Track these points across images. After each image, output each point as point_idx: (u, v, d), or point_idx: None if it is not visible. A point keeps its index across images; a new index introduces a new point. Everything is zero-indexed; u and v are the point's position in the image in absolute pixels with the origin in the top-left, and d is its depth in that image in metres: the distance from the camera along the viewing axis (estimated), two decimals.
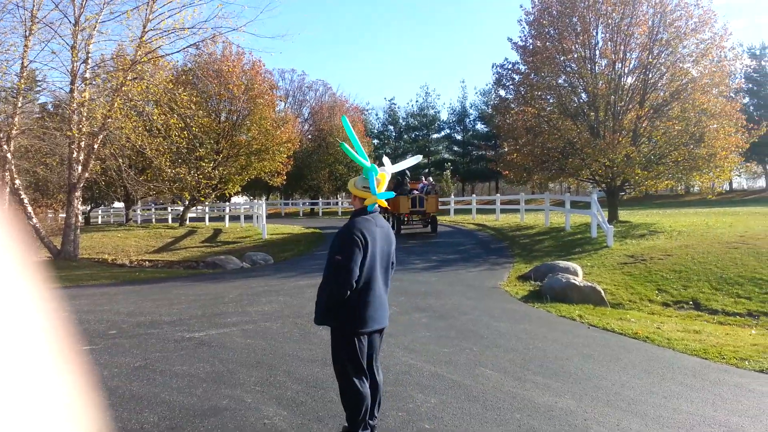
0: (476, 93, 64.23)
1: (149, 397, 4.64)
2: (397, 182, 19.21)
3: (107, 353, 5.96)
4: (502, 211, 25.22)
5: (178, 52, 17.09)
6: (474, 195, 31.41)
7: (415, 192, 20.45)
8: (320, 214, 40.18)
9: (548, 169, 20.50)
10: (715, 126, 17.59)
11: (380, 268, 3.77)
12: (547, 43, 19.76)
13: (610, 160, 17.45)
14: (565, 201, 18.81)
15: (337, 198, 48.22)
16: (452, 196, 31.79)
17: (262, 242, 20.06)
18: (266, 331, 6.99)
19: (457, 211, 29.17)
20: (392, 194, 4.02)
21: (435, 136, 57.03)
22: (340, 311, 3.69)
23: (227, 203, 33.63)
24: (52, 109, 24.91)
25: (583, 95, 20.12)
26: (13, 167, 16.28)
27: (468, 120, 55.69)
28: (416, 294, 9.64)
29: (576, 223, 18.62)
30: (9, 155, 16.23)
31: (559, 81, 20.47)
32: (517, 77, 21.32)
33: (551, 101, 21.19)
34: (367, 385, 3.74)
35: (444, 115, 58.51)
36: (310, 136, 45.95)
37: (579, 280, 10.06)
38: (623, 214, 21.11)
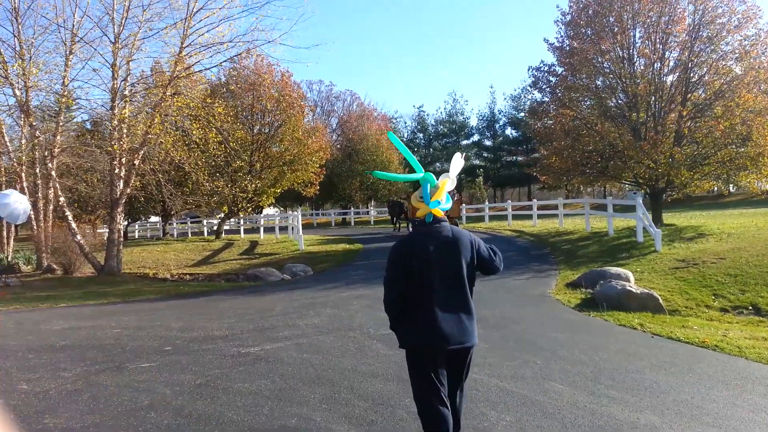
0: (505, 98, 63.67)
1: (216, 417, 4.56)
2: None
3: (166, 371, 5.92)
4: (538, 216, 24.81)
5: (215, 66, 17.24)
6: (509, 201, 30.96)
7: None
8: (352, 223, 40.20)
9: (588, 173, 20.08)
10: (762, 123, 16.98)
11: (442, 282, 3.47)
12: (585, 44, 19.41)
13: (653, 162, 16.99)
14: (607, 205, 18.37)
15: (368, 207, 48.24)
16: (486, 203, 31.42)
17: (299, 254, 20.07)
18: (320, 345, 6.89)
19: (491, 218, 28.83)
20: (449, 201, 3.74)
21: (465, 142, 56.63)
22: (406, 329, 3.55)
23: (261, 215, 33.87)
24: (90, 127, 25.48)
25: (623, 96, 19.69)
26: (57, 184, 16.62)
27: (498, 125, 55.26)
28: None
29: (619, 228, 18.16)
30: (53, 173, 16.58)
31: (597, 82, 20.10)
32: (553, 79, 20.99)
33: (589, 103, 20.80)
34: (440, 406, 3.46)
35: (473, 121, 58.22)
36: (339, 146, 46.11)
37: (634, 286, 9.73)
38: (666, 217, 20.54)
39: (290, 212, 27.59)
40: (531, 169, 24.84)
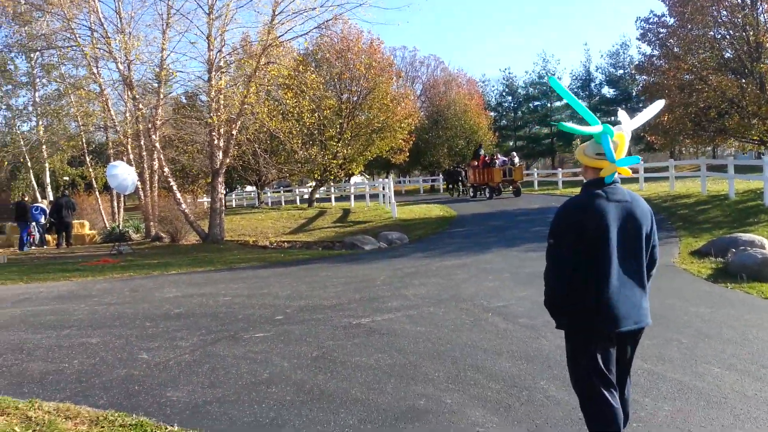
0: (602, 55, 59.79)
1: (339, 394, 4.31)
2: (491, 158, 26.30)
3: (281, 341, 5.77)
4: (644, 179, 23.10)
5: (307, 33, 17.00)
6: None
7: (505, 160, 26.04)
8: (441, 190, 39.54)
9: (704, 132, 18.33)
10: None
11: (622, 255, 2.93)
12: None
13: None
14: (727, 165, 16.67)
15: None
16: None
17: (392, 221, 19.83)
18: (432, 317, 6.53)
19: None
20: (638, 159, 3.13)
21: (557, 104, 53.86)
22: (572, 308, 2.99)
23: (351, 183, 34.04)
24: (185, 100, 26.33)
25: (744, 46, 17.66)
26: (161, 156, 17.20)
27: (593, 84, 52.10)
28: None
29: (739, 191, 16.46)
30: (157, 144, 17.17)
31: (713, 33, 18.17)
32: (663, 31, 19.20)
33: (704, 55, 18.88)
34: (612, 400, 2.96)
35: (566, 82, 55.25)
36: (424, 112, 45.26)
37: None
38: None
39: (380, 179, 27.40)
40: (635, 129, 23.11)
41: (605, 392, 2.96)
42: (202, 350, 5.58)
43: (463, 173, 30.34)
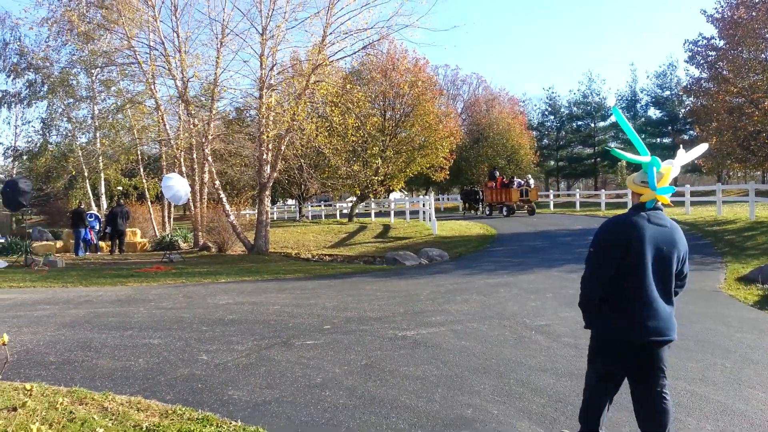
0: (648, 76, 58.76)
1: (390, 400, 4.54)
2: (510, 180, 29.22)
3: (331, 349, 6.04)
4: (690, 203, 22.68)
5: (355, 53, 17.52)
6: None
7: (521, 182, 28.84)
8: (480, 208, 39.49)
9: (753, 156, 17.96)
10: None
11: (654, 273, 3.29)
12: (753, 13, 17.29)
13: None
14: None
15: None
16: (628, 189, 29.34)
17: (432, 238, 20.03)
18: (477, 333, 6.70)
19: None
20: (673, 189, 3.48)
21: (601, 124, 53.28)
22: (599, 314, 3.42)
23: (391, 199, 34.41)
24: (234, 116, 27.22)
25: None
26: (213, 168, 17.86)
27: (639, 105, 51.29)
28: None
29: None
30: (209, 158, 17.85)
31: (764, 55, 17.86)
32: (713, 54, 18.99)
33: (755, 78, 18.56)
34: (604, 408, 3.50)
35: (611, 102, 54.56)
36: (465, 130, 45.40)
37: None
38: None
39: (421, 196, 27.72)
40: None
41: (604, 403, 3.46)
42: (257, 354, 5.89)
43: (480, 193, 32.68)
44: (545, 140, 55.50)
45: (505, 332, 6.74)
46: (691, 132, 38.17)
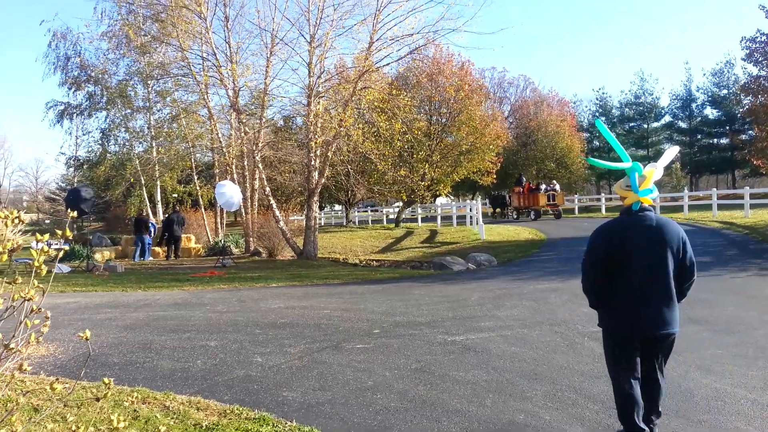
0: (704, 74, 56.66)
1: (441, 404, 4.57)
2: (536, 185, 30.87)
3: (381, 353, 6.11)
4: (750, 206, 21.73)
5: (401, 59, 17.63)
6: (714, 189, 27.68)
7: (547, 188, 30.29)
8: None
9: None
10: None
11: (647, 272, 3.55)
12: None
13: None
14: None
15: None
16: (685, 191, 28.36)
17: (480, 243, 19.88)
18: (527, 339, 6.65)
19: (690, 208, 25.93)
20: (652, 191, 3.68)
21: (654, 125, 51.66)
22: (601, 309, 3.79)
23: (437, 204, 34.36)
24: (282, 123, 27.76)
25: None
26: (264, 175, 18.27)
27: (694, 105, 49.52)
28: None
29: None
30: (260, 165, 18.27)
31: None
32: None
33: None
34: (631, 390, 3.62)
35: (664, 102, 52.92)
36: (512, 134, 44.87)
37: None
38: None
39: (468, 201, 27.59)
40: (740, 152, 21.90)
41: (627, 387, 3.61)
42: (309, 357, 6.02)
43: (507, 198, 33.57)
44: (596, 142, 54.24)
45: (557, 338, 6.66)
46: (750, 132, 36.57)
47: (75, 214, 3.05)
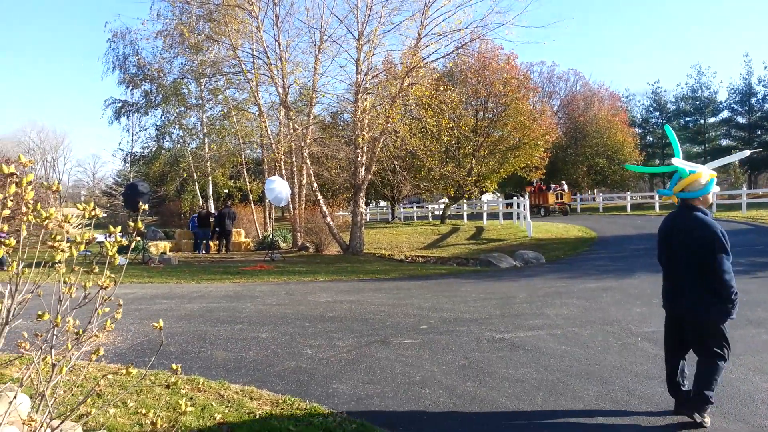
0: (766, 67, 54.03)
1: (490, 401, 4.56)
2: (547, 186, 34.36)
3: (429, 348, 6.14)
4: None
5: (449, 54, 17.53)
6: None
7: (555, 187, 33.92)
8: (578, 210, 38.15)
9: None
10: None
11: (677, 259, 4.16)
12: None
13: None
14: None
15: (594, 193, 45.38)
16: (743, 188, 27.20)
17: (527, 240, 19.62)
18: (577, 338, 6.54)
19: (749, 206, 24.86)
20: (705, 191, 4.16)
21: (711, 120, 49.65)
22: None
23: (484, 201, 34.09)
24: (330, 120, 28.04)
25: None
26: (311, 171, 18.52)
27: (754, 99, 47.29)
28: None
29: None
30: (308, 161, 18.53)
31: None
32: None
33: None
34: (667, 363, 4.39)
35: (722, 96, 50.78)
36: (562, 129, 43.92)
37: None
38: None
39: (516, 198, 27.24)
40: None
41: (666, 357, 4.42)
42: (357, 351, 6.10)
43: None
44: (649, 138, 52.57)
45: (609, 338, 6.53)
46: None
47: (145, 206, 3.19)
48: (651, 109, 53.32)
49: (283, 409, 4.39)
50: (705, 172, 4.14)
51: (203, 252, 19.99)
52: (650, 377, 5.11)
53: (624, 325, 7.13)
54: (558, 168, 40.24)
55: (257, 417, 4.22)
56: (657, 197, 32.90)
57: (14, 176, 2.15)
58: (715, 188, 4.24)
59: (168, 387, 2.39)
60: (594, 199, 40.98)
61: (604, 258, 14.78)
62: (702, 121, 50.07)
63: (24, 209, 2.08)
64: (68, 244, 2.12)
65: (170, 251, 19.92)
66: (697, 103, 49.45)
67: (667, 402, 4.49)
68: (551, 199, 33.25)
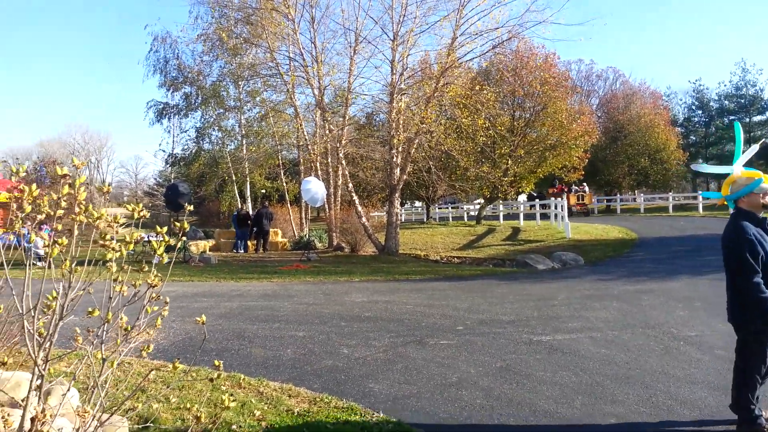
0: None
1: (528, 403, 4.52)
2: (568, 187, 35.12)
3: (465, 350, 6.12)
4: None
5: (485, 53, 17.40)
6: None
7: (577, 189, 35.33)
8: (618, 211, 37.34)
9: None
10: None
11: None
12: None
13: None
14: None
15: (634, 194, 44.34)
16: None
17: (565, 242, 19.31)
18: (617, 341, 6.42)
19: None
20: (711, 195, 4.44)
21: (757, 118, 48.00)
22: None
23: (520, 201, 33.75)
24: (364, 121, 28.16)
25: None
26: (347, 172, 18.64)
27: None
28: None
29: None
30: (343, 161, 18.66)
31: None
32: None
33: None
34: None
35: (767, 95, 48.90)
36: (601, 129, 43.02)
37: None
38: None
39: (554, 199, 26.79)
40: None
41: None
42: (393, 351, 6.13)
43: (543, 198, 35.71)
44: (692, 137, 51.13)
45: (650, 342, 6.39)
46: None
47: (190, 207, 3.27)
48: (693, 107, 51.87)
49: (320, 407, 4.45)
50: (736, 170, 4.02)
51: (241, 251, 20.38)
52: (693, 382, 4.99)
53: (666, 328, 6.97)
54: (597, 168, 39.43)
55: (295, 415, 4.29)
56: (701, 198, 31.98)
57: (67, 177, 2.25)
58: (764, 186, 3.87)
59: (211, 381, 2.46)
60: (635, 199, 40.04)
61: (645, 260, 14.45)
62: (747, 119, 48.41)
63: (77, 209, 2.17)
64: (118, 244, 2.21)
65: (210, 250, 20.33)
66: (742, 101, 47.87)
67: (711, 408, 4.38)
68: (572, 200, 34.27)
